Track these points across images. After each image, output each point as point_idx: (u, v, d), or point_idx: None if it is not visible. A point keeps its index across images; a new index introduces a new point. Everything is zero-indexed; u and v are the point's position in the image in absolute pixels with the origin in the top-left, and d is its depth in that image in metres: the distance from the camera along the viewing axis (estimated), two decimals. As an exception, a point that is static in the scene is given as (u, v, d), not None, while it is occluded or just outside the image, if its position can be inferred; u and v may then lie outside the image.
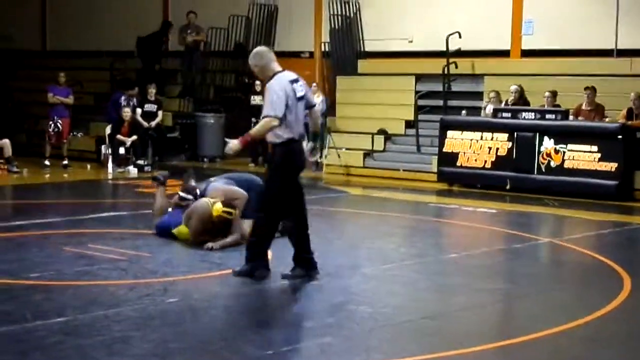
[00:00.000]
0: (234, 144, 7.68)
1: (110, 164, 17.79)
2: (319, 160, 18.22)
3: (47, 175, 17.02)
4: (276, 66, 7.78)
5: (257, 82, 18.96)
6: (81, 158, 19.17)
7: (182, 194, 9.75)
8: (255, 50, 8.00)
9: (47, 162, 18.05)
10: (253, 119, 17.04)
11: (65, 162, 18.05)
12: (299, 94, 7.69)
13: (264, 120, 7.55)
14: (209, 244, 8.97)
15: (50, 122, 18.24)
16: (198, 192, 9.60)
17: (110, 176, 17.13)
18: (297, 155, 7.82)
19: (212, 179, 9.91)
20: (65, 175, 17.16)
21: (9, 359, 5.51)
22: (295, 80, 7.74)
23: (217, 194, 9.36)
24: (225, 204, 9.09)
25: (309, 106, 7.96)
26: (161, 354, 5.69)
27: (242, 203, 9.32)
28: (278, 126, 7.52)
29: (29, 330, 6.12)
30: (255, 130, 7.68)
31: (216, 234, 9.10)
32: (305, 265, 7.88)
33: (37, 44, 24.57)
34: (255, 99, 18.73)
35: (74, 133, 19.69)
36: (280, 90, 7.55)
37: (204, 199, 9.27)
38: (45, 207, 12.69)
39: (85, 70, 21.71)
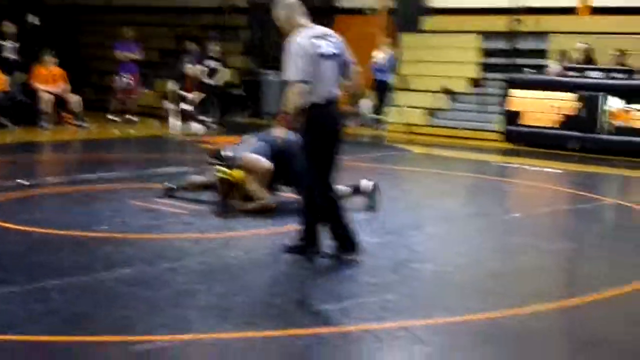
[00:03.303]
0: (279, 131, 7.04)
1: (175, 120, 17.97)
2: (380, 118, 18.22)
3: (114, 131, 17.27)
4: (302, 20, 6.97)
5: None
6: (146, 114, 19.38)
7: (208, 159, 9.36)
8: None
9: (113, 117, 18.30)
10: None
11: (132, 117, 18.27)
12: (323, 51, 6.81)
13: (290, 89, 6.71)
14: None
15: (117, 78, 18.46)
16: (225, 154, 9.04)
17: (175, 132, 17.31)
18: (325, 121, 6.88)
19: (245, 136, 9.40)
20: (132, 130, 17.39)
21: (80, 308, 5.66)
22: (322, 36, 6.89)
23: (242, 158, 8.88)
24: (241, 167, 8.69)
25: (347, 64, 7.06)
26: (225, 307, 5.78)
27: (263, 174, 8.75)
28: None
29: (98, 281, 6.27)
30: (285, 104, 6.78)
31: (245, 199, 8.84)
32: (340, 242, 7.12)
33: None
34: None
35: (141, 89, 19.89)
36: (301, 50, 6.73)
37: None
38: (112, 162, 12.91)
39: (150, 26, 21.85)
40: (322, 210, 7.02)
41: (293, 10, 6.99)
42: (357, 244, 7.09)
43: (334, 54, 6.90)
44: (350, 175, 9.31)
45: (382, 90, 18.28)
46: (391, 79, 18.27)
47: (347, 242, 7.05)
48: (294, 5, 7.01)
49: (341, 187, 8.99)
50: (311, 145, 6.88)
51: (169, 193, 9.48)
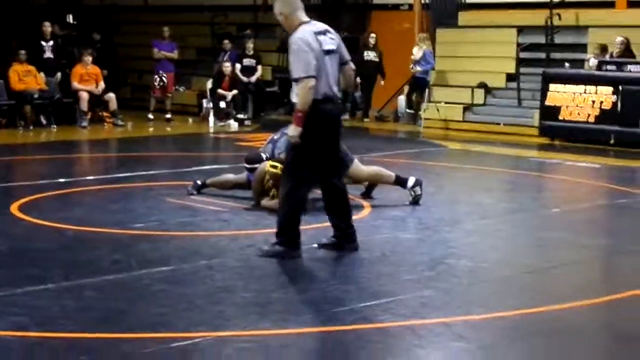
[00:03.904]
0: (293, 130, 6.81)
1: (211, 118, 18.04)
2: (418, 113, 18.16)
3: (151, 129, 17.37)
4: (303, 16, 6.91)
5: (372, 36, 18.91)
6: (183, 112, 19.47)
7: (246, 165, 9.11)
8: None
9: (150, 116, 18.42)
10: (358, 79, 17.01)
11: (169, 115, 18.37)
12: (326, 47, 6.79)
13: (300, 86, 6.67)
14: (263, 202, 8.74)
15: (156, 77, 18.57)
16: (264, 156, 8.99)
17: (211, 130, 17.37)
18: (325, 117, 6.82)
19: (275, 136, 9.24)
20: (168, 128, 17.47)
21: (117, 305, 5.68)
22: (323, 32, 6.86)
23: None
24: (276, 159, 8.66)
25: (343, 62, 7.02)
26: (263, 304, 5.78)
27: None
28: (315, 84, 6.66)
29: (135, 278, 6.30)
30: (299, 102, 6.71)
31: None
32: (339, 235, 7.18)
33: (140, -1, 24.95)
34: (369, 55, 18.68)
35: (177, 87, 19.99)
36: (306, 46, 6.68)
37: (267, 162, 8.81)
38: (148, 160, 12.97)
39: (187, 25, 21.94)
40: (293, 204, 6.94)
41: (294, 7, 6.93)
42: (353, 240, 7.13)
43: (334, 50, 6.88)
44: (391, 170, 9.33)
45: (419, 86, 18.20)
46: (429, 75, 18.19)
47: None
48: (295, 1, 6.95)
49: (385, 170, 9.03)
50: (305, 142, 6.78)
51: (198, 189, 9.46)
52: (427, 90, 18.09)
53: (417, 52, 18.11)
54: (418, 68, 18.00)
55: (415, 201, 9.14)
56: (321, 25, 6.95)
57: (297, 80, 6.71)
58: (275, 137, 9.16)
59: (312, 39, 6.73)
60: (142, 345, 4.98)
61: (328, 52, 6.81)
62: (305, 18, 6.93)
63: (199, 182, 9.54)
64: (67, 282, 6.12)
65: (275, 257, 6.88)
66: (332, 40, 6.89)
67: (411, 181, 9.20)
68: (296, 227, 6.99)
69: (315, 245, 7.22)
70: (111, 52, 20.55)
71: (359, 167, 9.04)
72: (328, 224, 7.29)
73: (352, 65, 7.13)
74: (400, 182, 9.21)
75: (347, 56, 7.07)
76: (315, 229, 7.81)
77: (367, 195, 9.44)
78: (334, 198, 7.12)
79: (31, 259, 6.82)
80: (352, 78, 7.26)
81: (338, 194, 7.12)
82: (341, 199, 7.14)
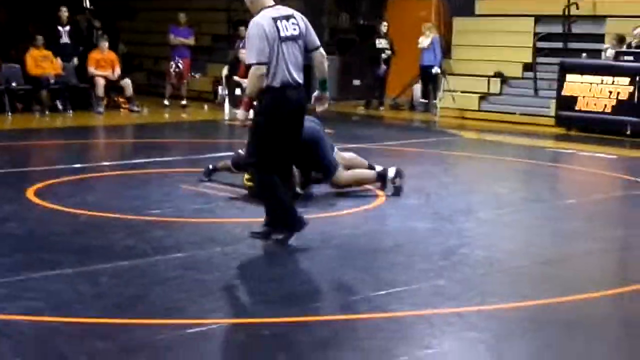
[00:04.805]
0: (239, 113, 6.96)
1: (227, 105, 18.04)
2: (433, 102, 18.12)
3: (166, 115, 17.40)
4: (267, 1, 6.81)
5: (384, 24, 18.89)
6: (199, 98, 19.48)
7: (234, 170, 9.04)
8: None
9: (166, 102, 18.44)
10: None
11: (184, 102, 18.39)
12: (285, 34, 6.65)
13: (250, 72, 6.64)
14: None
15: (172, 63, 18.57)
16: None
17: (226, 117, 17.37)
18: (283, 104, 6.70)
19: None
20: (184, 115, 17.50)
21: (133, 291, 5.71)
22: (285, 18, 6.71)
23: None
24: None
25: (311, 49, 6.87)
26: (277, 291, 5.79)
27: None
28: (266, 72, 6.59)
29: (150, 264, 6.32)
30: (247, 87, 6.76)
31: None
32: (273, 221, 7.02)
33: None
34: (382, 42, 18.65)
35: (193, 74, 19.99)
36: (260, 31, 6.57)
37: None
38: (164, 146, 13.00)
39: (203, 11, 21.92)
40: (260, 187, 6.93)
41: None
42: (297, 225, 6.92)
43: (295, 36, 6.72)
44: (399, 159, 9.29)
45: (428, 75, 18.15)
46: (437, 64, 18.08)
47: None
48: None
49: (368, 171, 8.92)
50: (263, 128, 6.73)
51: (209, 175, 9.41)
52: (438, 79, 18.02)
53: (423, 41, 18.02)
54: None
55: (396, 193, 8.90)
56: (284, 10, 6.79)
57: (248, 66, 6.66)
58: None
59: (268, 24, 6.61)
60: (157, 331, 5.01)
61: (287, 38, 6.67)
62: (270, 2, 6.81)
63: (210, 166, 9.53)
64: (82, 267, 6.15)
65: (262, 238, 6.90)
66: (294, 26, 6.74)
67: (392, 172, 8.95)
68: (286, 212, 6.90)
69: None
70: (114, 39, 20.39)
71: (341, 173, 8.80)
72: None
73: (322, 52, 6.94)
74: (381, 176, 8.96)
75: (315, 42, 6.90)
76: (326, 217, 7.80)
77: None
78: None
79: (46, 244, 6.85)
80: (322, 65, 6.95)
81: (285, 182, 7.02)
82: (285, 185, 7.04)
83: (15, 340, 4.83)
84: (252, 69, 6.62)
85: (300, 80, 6.79)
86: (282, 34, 6.64)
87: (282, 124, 6.73)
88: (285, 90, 6.68)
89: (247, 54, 6.74)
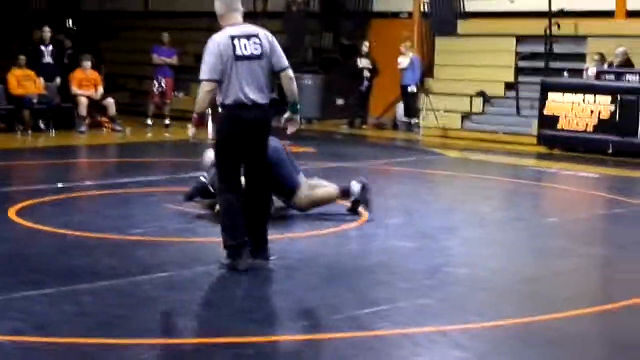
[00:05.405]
0: (189, 130, 7.03)
1: (210, 124, 18.00)
2: (414, 122, 18.16)
3: (149, 134, 17.38)
4: (234, 18, 6.75)
5: (365, 43, 18.96)
6: (182, 118, 19.42)
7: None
8: None
9: (149, 122, 18.41)
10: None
11: (167, 121, 18.36)
12: (242, 52, 6.58)
13: (200, 87, 6.66)
14: None
15: (155, 82, 18.56)
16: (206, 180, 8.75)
17: (210, 136, 17.31)
18: (232, 124, 6.68)
19: None
20: (167, 134, 17.47)
21: (115, 311, 5.68)
22: (246, 36, 6.63)
23: None
24: None
25: (277, 70, 6.80)
26: (260, 310, 5.79)
27: None
28: (217, 89, 6.61)
29: (134, 284, 6.30)
30: (197, 103, 6.76)
31: None
32: (251, 244, 6.79)
33: (140, 4, 24.94)
34: (362, 62, 18.72)
35: (176, 93, 19.98)
36: (214, 48, 6.56)
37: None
38: (147, 166, 12.97)
39: (185, 31, 21.95)
40: (224, 215, 6.76)
41: (229, 8, 6.78)
42: (262, 250, 6.82)
43: (255, 55, 6.64)
44: (382, 178, 9.29)
45: (407, 94, 18.22)
46: (416, 83, 18.12)
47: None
48: (231, 3, 6.79)
49: (329, 188, 8.79)
50: (218, 146, 6.79)
51: (191, 197, 9.11)
52: (417, 98, 18.07)
53: (402, 61, 18.07)
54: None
55: (366, 205, 8.70)
56: (248, 29, 6.73)
57: (200, 81, 6.65)
58: None
59: (224, 42, 6.58)
60: (140, 352, 4.98)
61: (244, 57, 6.59)
62: (235, 20, 6.75)
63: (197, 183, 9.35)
64: (65, 287, 6.12)
65: (227, 269, 6.65)
66: (256, 45, 6.64)
67: (356, 187, 8.71)
68: (235, 237, 6.69)
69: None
70: (97, 59, 20.32)
71: (301, 194, 8.59)
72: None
73: (289, 73, 6.86)
74: (345, 192, 8.74)
75: (281, 64, 6.80)
76: (311, 236, 7.80)
77: (353, 211, 8.86)
78: (252, 204, 6.82)
79: (29, 264, 6.82)
80: (290, 86, 6.90)
81: (258, 201, 6.86)
82: (261, 206, 6.90)
83: (-3, 360, 4.81)
84: (202, 84, 6.62)
85: (261, 100, 6.74)
86: (237, 53, 6.58)
87: (236, 143, 6.69)
88: (238, 109, 6.65)
89: (201, 70, 6.66)
